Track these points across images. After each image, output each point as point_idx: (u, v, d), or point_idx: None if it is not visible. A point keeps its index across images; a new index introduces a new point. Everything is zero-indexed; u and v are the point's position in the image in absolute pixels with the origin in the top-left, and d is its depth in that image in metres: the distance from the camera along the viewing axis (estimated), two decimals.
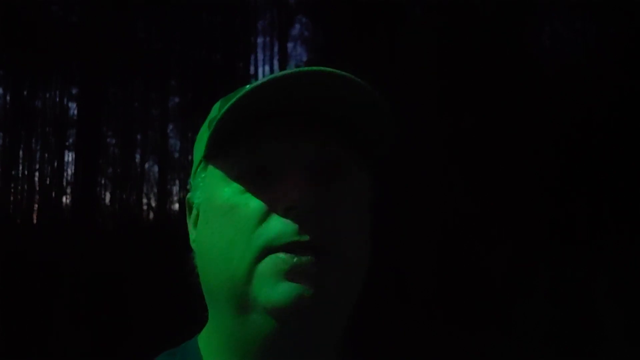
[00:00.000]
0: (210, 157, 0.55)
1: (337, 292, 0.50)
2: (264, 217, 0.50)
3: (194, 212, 0.59)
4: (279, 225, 0.49)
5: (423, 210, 6.76)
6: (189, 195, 0.61)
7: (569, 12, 8.50)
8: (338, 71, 0.49)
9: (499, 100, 7.04)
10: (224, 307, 0.52)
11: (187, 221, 0.61)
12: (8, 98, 14.74)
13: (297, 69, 0.49)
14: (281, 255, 0.48)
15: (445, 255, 6.61)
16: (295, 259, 0.48)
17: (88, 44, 9.47)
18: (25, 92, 15.89)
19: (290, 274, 0.48)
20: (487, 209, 6.77)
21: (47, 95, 17.98)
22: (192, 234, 0.59)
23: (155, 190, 17.98)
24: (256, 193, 0.51)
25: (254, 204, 0.51)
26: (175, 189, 20.01)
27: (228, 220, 0.52)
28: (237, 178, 0.53)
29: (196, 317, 0.60)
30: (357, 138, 0.55)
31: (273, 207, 0.50)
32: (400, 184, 6.42)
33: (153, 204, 17.96)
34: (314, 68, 0.49)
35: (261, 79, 0.50)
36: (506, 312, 5.42)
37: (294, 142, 0.52)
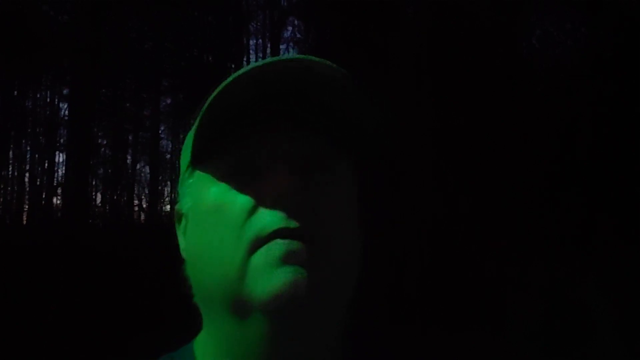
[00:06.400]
0: (196, 162, 0.55)
1: (330, 279, 0.50)
2: (252, 211, 0.50)
3: (183, 221, 0.59)
4: (266, 216, 0.49)
5: (415, 209, 6.78)
6: (177, 205, 0.60)
7: (559, 13, 8.57)
8: (311, 57, 0.49)
9: (491, 100, 7.09)
10: (219, 309, 0.52)
11: (177, 232, 0.60)
12: None
13: (267, 60, 0.49)
14: (272, 243, 0.48)
15: (437, 254, 6.63)
16: (287, 244, 0.48)
17: (79, 43, 9.43)
18: (15, 92, 15.82)
19: (284, 260, 0.48)
20: (479, 208, 6.80)
21: (38, 95, 17.91)
22: (182, 243, 0.58)
23: (146, 191, 17.94)
24: (242, 189, 0.51)
25: (241, 200, 0.51)
26: (167, 189, 19.98)
27: (217, 219, 0.51)
28: (223, 178, 0.52)
29: (192, 320, 0.59)
30: (340, 130, 0.55)
31: (260, 200, 0.50)
32: (393, 182, 6.44)
33: (144, 204, 17.92)
34: (294, 56, 0.49)
35: (233, 74, 0.50)
36: (499, 312, 5.45)
37: (277, 136, 0.52)
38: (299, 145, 0.52)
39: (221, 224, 0.51)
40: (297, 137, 0.53)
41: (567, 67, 8.01)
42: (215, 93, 0.49)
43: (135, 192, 17.99)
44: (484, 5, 7.23)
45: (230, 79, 0.49)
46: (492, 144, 6.95)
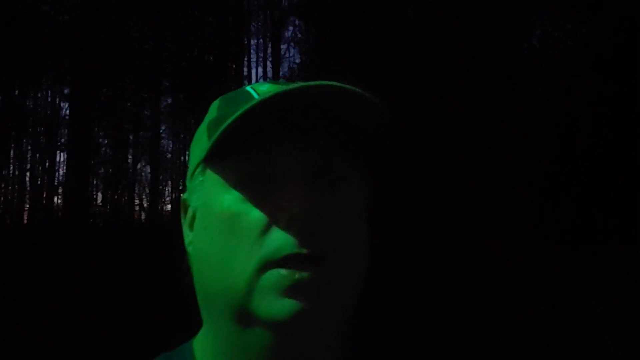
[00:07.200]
0: (210, 160, 0.54)
1: (336, 304, 0.50)
2: (265, 228, 0.49)
3: (190, 213, 0.58)
4: (280, 238, 0.49)
5: (415, 209, 6.77)
6: (185, 195, 0.59)
7: (559, 13, 8.56)
8: (350, 87, 0.49)
9: (491, 100, 7.08)
10: (221, 314, 0.52)
11: (182, 221, 0.60)
12: None
13: (310, 83, 0.49)
14: (282, 271, 0.48)
15: (437, 254, 6.63)
16: (296, 275, 0.48)
17: (79, 43, 9.41)
18: (16, 92, 15.82)
19: (291, 290, 0.47)
20: (479, 208, 6.80)
21: (39, 95, 17.91)
22: (188, 236, 0.58)
23: (147, 190, 17.93)
24: (257, 202, 0.50)
25: (255, 214, 0.50)
26: (167, 189, 19.97)
27: (228, 229, 0.51)
28: (237, 185, 0.52)
29: (190, 319, 0.59)
30: (356, 145, 0.54)
31: (274, 217, 0.49)
32: (392, 183, 6.44)
33: (145, 204, 17.91)
34: (327, 83, 0.48)
35: (273, 90, 0.49)
36: (499, 312, 5.45)
37: (295, 149, 0.52)
38: (312, 153, 0.52)
39: (232, 236, 0.50)
40: (310, 145, 0.52)
41: (567, 67, 8.00)
42: (250, 105, 0.48)
43: (136, 191, 17.99)
44: (484, 5, 7.22)
45: (270, 95, 0.48)
46: (492, 144, 6.95)
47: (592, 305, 5.08)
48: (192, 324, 0.60)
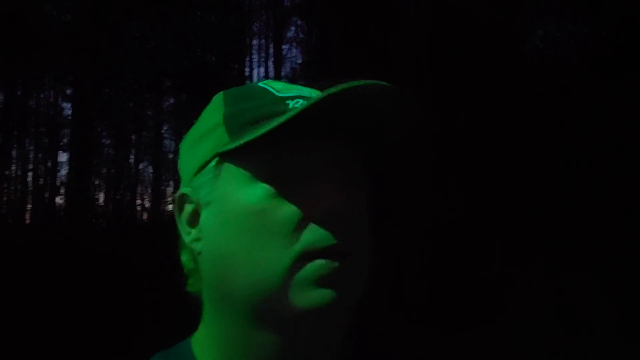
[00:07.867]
0: (229, 155, 0.53)
1: (355, 296, 0.51)
2: (300, 222, 0.49)
3: (189, 209, 0.56)
4: (317, 230, 0.49)
5: (415, 209, 6.78)
6: (186, 190, 0.57)
7: (560, 14, 8.57)
8: (388, 85, 0.49)
9: (491, 100, 7.09)
10: (236, 311, 0.51)
11: (177, 219, 0.57)
12: (1, 98, 14.70)
13: (358, 82, 0.47)
14: (321, 261, 0.48)
15: (437, 254, 6.63)
16: (335, 265, 0.48)
17: (81, 43, 9.43)
18: (19, 92, 15.84)
19: (329, 280, 0.48)
20: (479, 208, 6.80)
21: (41, 95, 17.93)
22: (191, 233, 0.56)
23: (149, 190, 17.95)
24: (290, 196, 0.50)
25: (290, 208, 0.50)
26: (170, 189, 19.98)
27: (259, 223, 0.50)
28: (266, 179, 0.51)
29: (192, 320, 0.59)
30: (373, 140, 0.55)
31: (309, 211, 0.50)
32: (392, 183, 6.43)
33: (147, 204, 17.93)
34: (375, 82, 0.48)
35: (312, 98, 0.47)
36: (499, 312, 5.45)
37: (327, 146, 0.52)
38: (341, 152, 0.53)
39: (264, 230, 0.50)
40: (339, 143, 0.53)
41: (567, 67, 8.00)
42: (293, 114, 0.47)
43: (138, 191, 18.00)
44: (484, 5, 7.23)
45: (312, 102, 0.47)
46: (492, 144, 6.95)
47: (592, 305, 5.08)
48: (192, 324, 0.59)
